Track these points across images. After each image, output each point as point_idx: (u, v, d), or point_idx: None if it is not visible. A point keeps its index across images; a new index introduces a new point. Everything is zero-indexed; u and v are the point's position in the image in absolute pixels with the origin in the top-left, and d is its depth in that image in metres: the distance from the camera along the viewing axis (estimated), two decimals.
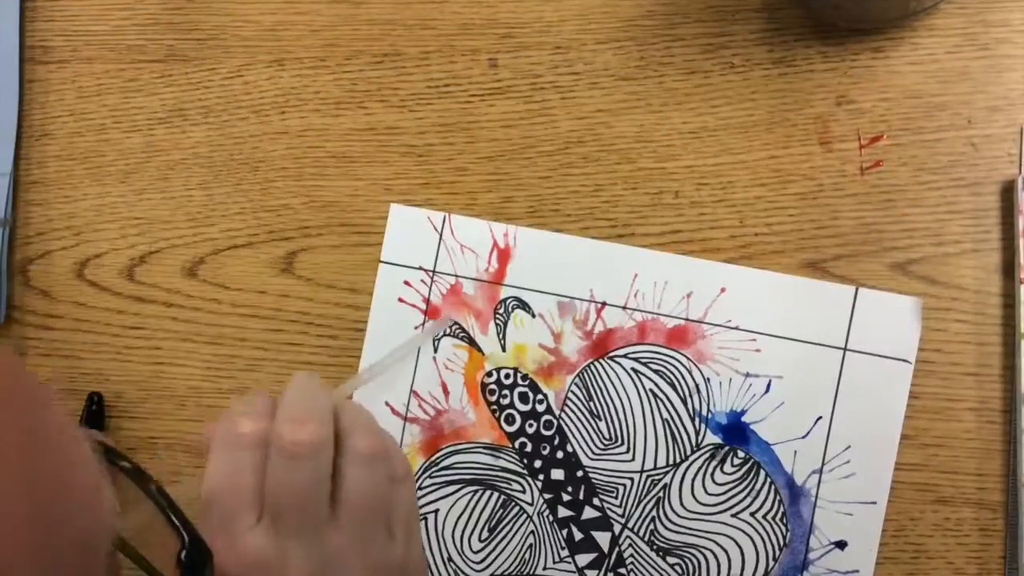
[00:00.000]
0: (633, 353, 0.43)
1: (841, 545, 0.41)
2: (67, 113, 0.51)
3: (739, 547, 0.42)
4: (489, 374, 0.45)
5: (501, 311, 0.45)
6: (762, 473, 0.42)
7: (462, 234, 0.45)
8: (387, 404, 0.45)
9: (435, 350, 0.45)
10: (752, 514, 0.42)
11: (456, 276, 0.45)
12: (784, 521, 0.42)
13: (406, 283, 0.46)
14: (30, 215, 0.51)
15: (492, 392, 0.45)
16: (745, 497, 0.42)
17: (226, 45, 0.49)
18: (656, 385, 0.43)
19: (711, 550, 0.42)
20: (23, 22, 0.51)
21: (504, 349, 0.45)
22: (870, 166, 0.41)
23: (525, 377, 0.44)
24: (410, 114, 0.47)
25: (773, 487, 0.42)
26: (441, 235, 0.46)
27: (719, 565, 0.42)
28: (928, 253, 0.42)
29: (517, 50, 0.46)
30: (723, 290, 0.43)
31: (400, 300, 0.46)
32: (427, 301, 0.45)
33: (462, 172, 0.47)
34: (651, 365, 0.43)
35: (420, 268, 0.46)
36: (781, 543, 0.42)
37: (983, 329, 0.41)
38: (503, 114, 0.46)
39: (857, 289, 0.42)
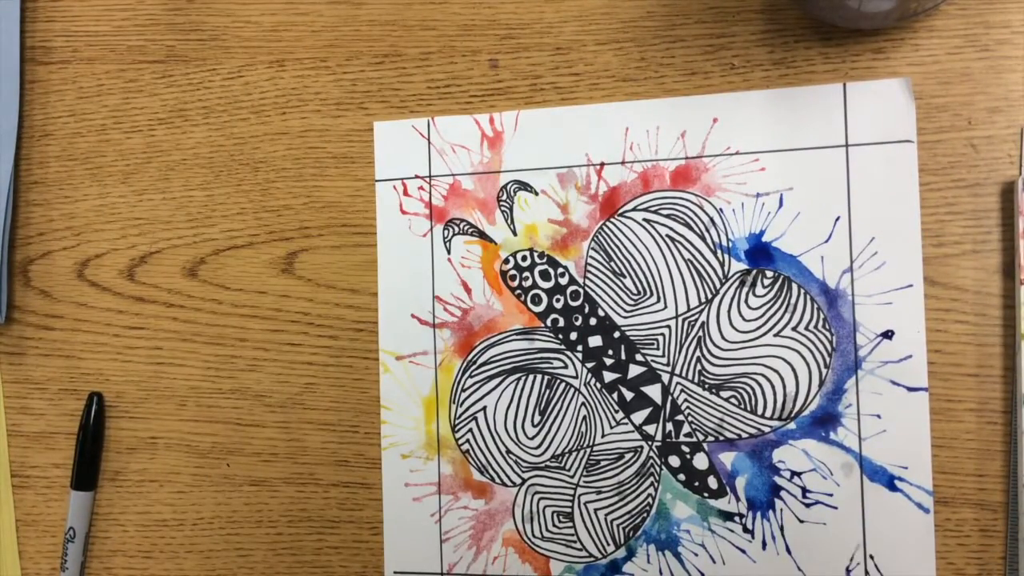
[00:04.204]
0: (642, 204, 0.44)
1: (888, 335, 0.41)
2: (68, 113, 0.51)
3: (789, 364, 0.42)
4: (506, 261, 0.45)
5: (504, 197, 0.45)
6: (794, 286, 0.42)
7: (449, 133, 0.46)
8: (413, 316, 0.46)
9: (448, 252, 0.46)
10: (794, 328, 0.42)
11: (453, 175, 0.46)
12: (827, 327, 0.42)
13: (405, 193, 0.46)
14: (31, 215, 0.51)
15: (513, 277, 0.45)
16: (783, 314, 0.42)
17: (226, 46, 0.49)
18: (671, 229, 0.44)
19: (762, 375, 0.43)
20: (24, 22, 0.51)
21: (515, 233, 0.45)
22: None
23: (542, 255, 0.45)
24: (411, 115, 0.47)
25: (808, 297, 0.42)
26: (429, 139, 0.46)
27: (773, 387, 0.43)
28: (928, 254, 0.42)
29: (518, 51, 0.46)
30: (715, 120, 0.43)
31: (403, 211, 0.46)
32: (429, 205, 0.46)
33: None
34: (662, 211, 0.44)
35: (416, 176, 0.46)
36: (829, 348, 0.42)
37: (983, 330, 0.41)
38: None
39: (845, 85, 0.42)
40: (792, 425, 0.42)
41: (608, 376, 0.44)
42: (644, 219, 0.44)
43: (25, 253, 0.51)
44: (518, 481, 0.45)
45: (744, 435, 0.43)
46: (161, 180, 0.49)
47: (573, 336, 0.45)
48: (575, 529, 0.44)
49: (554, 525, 0.45)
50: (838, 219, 0.42)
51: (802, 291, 0.42)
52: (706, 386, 0.43)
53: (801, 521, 0.42)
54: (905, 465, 0.41)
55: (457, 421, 0.46)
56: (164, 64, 0.50)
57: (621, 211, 0.44)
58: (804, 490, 0.42)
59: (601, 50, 0.45)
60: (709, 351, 0.43)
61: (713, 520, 0.43)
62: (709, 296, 0.43)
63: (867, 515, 0.41)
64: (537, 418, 0.45)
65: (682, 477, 0.43)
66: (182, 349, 0.49)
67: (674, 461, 0.44)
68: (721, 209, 0.43)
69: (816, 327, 0.42)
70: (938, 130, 0.42)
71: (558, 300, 0.45)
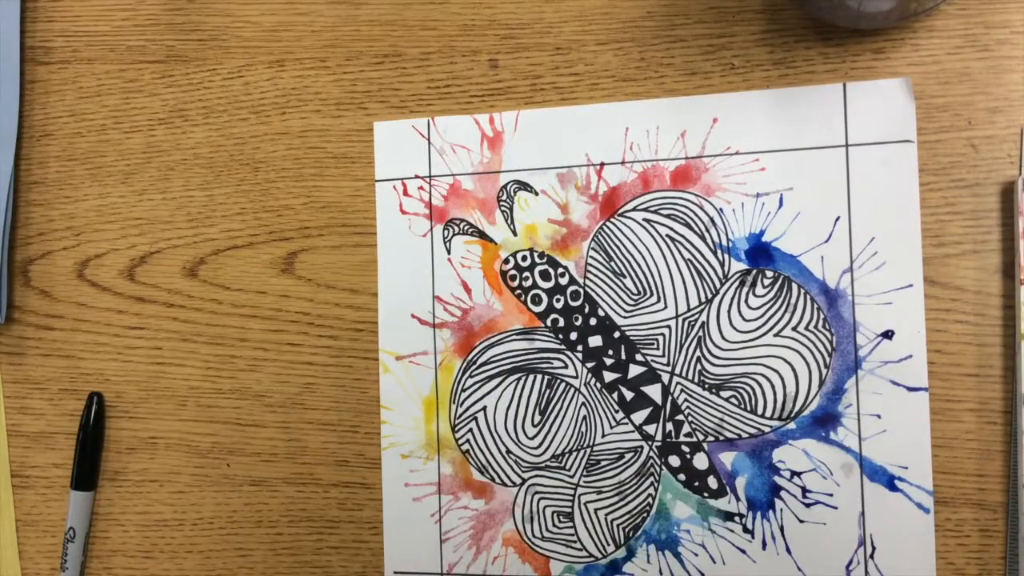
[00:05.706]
0: (642, 204, 0.44)
1: (888, 335, 0.41)
2: (68, 113, 0.51)
3: (789, 364, 0.42)
4: (506, 261, 0.45)
5: (504, 197, 0.45)
6: (794, 286, 0.42)
7: (449, 133, 0.46)
8: (413, 316, 0.46)
9: (448, 252, 0.46)
10: (794, 328, 0.42)
11: (453, 175, 0.46)
12: (827, 327, 0.42)
13: (405, 193, 0.46)
14: (31, 215, 0.51)
15: (513, 277, 0.45)
16: (783, 314, 0.42)
17: (226, 46, 0.49)
18: (671, 229, 0.44)
19: (762, 374, 0.43)
20: (24, 22, 0.51)
21: (515, 233, 0.45)
22: None
23: (542, 255, 0.45)
24: (411, 115, 0.47)
25: (808, 297, 0.42)
26: (429, 139, 0.46)
27: (773, 387, 0.43)
28: (928, 254, 0.42)
29: (517, 51, 0.46)
30: (715, 120, 0.43)
31: (403, 211, 0.46)
32: (429, 205, 0.46)
33: None
34: (662, 211, 0.44)
35: (416, 176, 0.46)
36: (829, 348, 0.42)
37: (983, 330, 0.41)
38: None
39: (845, 85, 0.42)
40: (792, 425, 0.42)
41: (608, 376, 0.44)
42: (644, 219, 0.44)
43: (25, 253, 0.51)
44: (518, 481, 0.45)
45: (744, 435, 0.43)
46: (161, 180, 0.49)
47: (573, 336, 0.45)
48: (575, 529, 0.44)
49: (554, 525, 0.45)
50: (838, 219, 0.42)
51: (802, 291, 0.42)
52: (706, 386, 0.43)
53: (801, 521, 0.42)
54: (905, 465, 0.41)
55: (457, 421, 0.46)
56: (164, 64, 0.50)
57: (621, 211, 0.44)
58: (804, 490, 0.42)
59: (601, 50, 0.45)
60: (709, 351, 0.43)
61: (713, 520, 0.43)
62: (709, 296, 0.43)
63: (867, 515, 0.41)
64: (537, 418, 0.45)
65: (682, 477, 0.43)
66: (182, 349, 0.49)
67: (674, 461, 0.44)
68: (721, 209, 0.43)
69: (816, 327, 0.42)
70: (938, 130, 0.42)
71: (558, 300, 0.45)
